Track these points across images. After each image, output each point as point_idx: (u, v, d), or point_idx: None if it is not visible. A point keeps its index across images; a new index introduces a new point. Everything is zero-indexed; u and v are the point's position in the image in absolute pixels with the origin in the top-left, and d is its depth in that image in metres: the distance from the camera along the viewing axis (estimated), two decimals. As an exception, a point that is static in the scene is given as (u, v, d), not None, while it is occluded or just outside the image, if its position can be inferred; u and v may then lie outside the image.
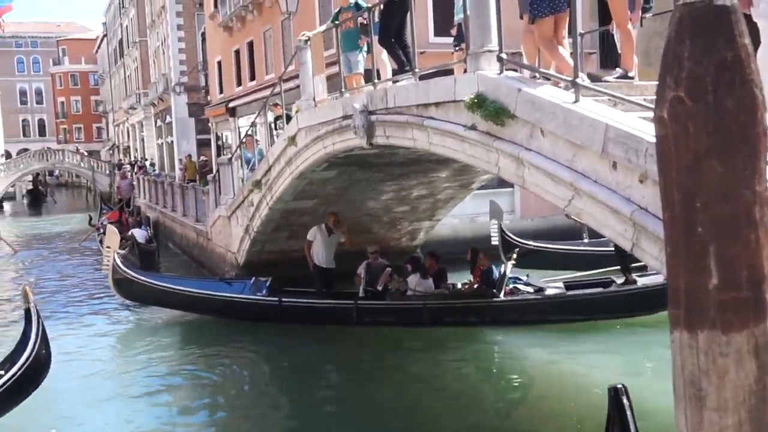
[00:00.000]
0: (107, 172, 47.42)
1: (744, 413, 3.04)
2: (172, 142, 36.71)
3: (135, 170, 32.87)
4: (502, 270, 10.81)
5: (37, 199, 51.74)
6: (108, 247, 12.21)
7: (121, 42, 53.05)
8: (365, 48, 9.34)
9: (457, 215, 15.38)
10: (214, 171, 16.70)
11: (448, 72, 8.00)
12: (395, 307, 11.11)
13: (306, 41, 10.55)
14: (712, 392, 3.07)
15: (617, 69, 6.33)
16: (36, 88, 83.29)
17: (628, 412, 4.25)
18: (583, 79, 5.41)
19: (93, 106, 77.73)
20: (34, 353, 7.15)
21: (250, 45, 25.46)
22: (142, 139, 46.23)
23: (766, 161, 3.11)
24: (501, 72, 6.19)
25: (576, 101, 5.28)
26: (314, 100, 10.64)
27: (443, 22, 15.82)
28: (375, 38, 8.77)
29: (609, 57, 14.93)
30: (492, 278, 10.75)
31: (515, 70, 6.57)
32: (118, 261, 12.01)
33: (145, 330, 12.05)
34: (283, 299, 11.29)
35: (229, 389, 9.14)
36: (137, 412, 8.30)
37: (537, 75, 6.28)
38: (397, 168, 11.13)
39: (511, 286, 10.67)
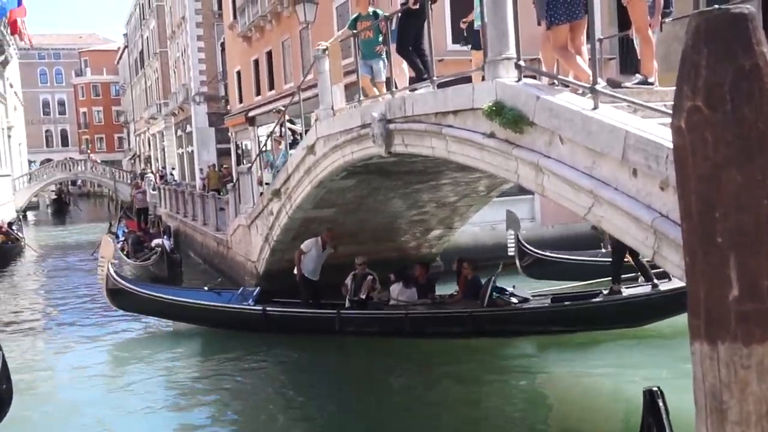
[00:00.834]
0: (128, 181, 47.89)
1: (767, 426, 2.99)
2: (192, 151, 37.02)
3: (157, 180, 33.18)
4: (492, 281, 10.65)
5: (61, 209, 52.72)
6: (102, 257, 12.29)
7: (141, 53, 53.69)
8: (383, 55, 9.38)
9: (477, 223, 15.34)
10: (234, 180, 16.82)
11: (466, 80, 8.00)
12: (377, 316, 11.02)
13: (324, 50, 10.60)
14: (734, 405, 3.02)
15: (637, 75, 6.30)
16: (59, 99, 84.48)
17: (664, 416, 4.13)
18: (602, 86, 5.39)
19: (114, 116, 78.67)
20: None
21: (269, 54, 25.65)
22: (163, 149, 46.69)
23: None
24: (519, 79, 6.18)
25: (595, 108, 5.26)
26: (333, 108, 10.69)
27: (460, 30, 15.85)
28: (393, 46, 8.79)
29: (629, 62, 14.84)
30: (476, 289, 10.63)
31: (534, 77, 6.56)
32: (111, 271, 12.11)
33: (146, 340, 12.18)
34: (268, 309, 11.33)
35: (226, 400, 9.15)
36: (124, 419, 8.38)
37: (556, 82, 6.26)
38: (416, 176, 11.12)
39: (494, 296, 10.47)
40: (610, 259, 12.66)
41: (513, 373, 9.46)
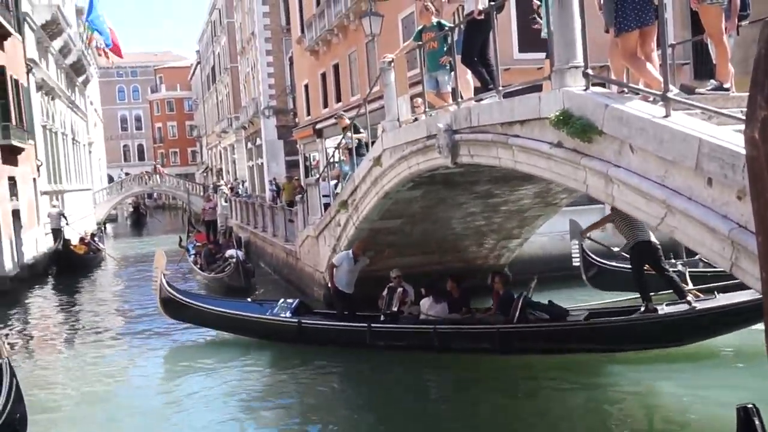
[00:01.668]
0: (201, 193, 49.25)
1: None
2: (262, 163, 37.78)
3: (228, 192, 33.97)
4: (524, 295, 10.28)
5: (138, 220, 55.12)
6: (156, 268, 12.76)
7: (213, 68, 55.24)
8: (448, 67, 9.37)
9: (546, 233, 15.10)
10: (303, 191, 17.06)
11: (534, 89, 7.91)
12: (406, 330, 10.89)
13: (390, 62, 10.67)
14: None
15: (711, 81, 6.10)
16: (135, 115, 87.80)
17: None
18: (674, 93, 5.24)
19: (188, 130, 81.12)
20: (4, 415, 6.45)
21: (336, 67, 25.98)
22: (234, 162, 47.81)
23: None
24: (587, 88, 6.07)
25: (667, 116, 5.11)
26: (398, 120, 10.74)
27: (527, 39, 15.71)
28: (458, 57, 8.77)
29: (704, 67, 14.39)
30: (508, 304, 10.25)
31: (602, 85, 6.43)
32: (164, 282, 12.54)
33: (200, 348, 12.42)
34: (302, 321, 11.47)
35: (260, 407, 9.26)
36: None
37: (625, 90, 6.12)
38: (482, 186, 11.05)
39: (528, 312, 10.09)
40: (679, 270, 12.17)
41: (576, 390, 9.13)
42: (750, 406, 3.96)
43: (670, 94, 5.15)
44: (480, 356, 10.13)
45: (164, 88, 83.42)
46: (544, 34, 7.87)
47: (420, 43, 9.57)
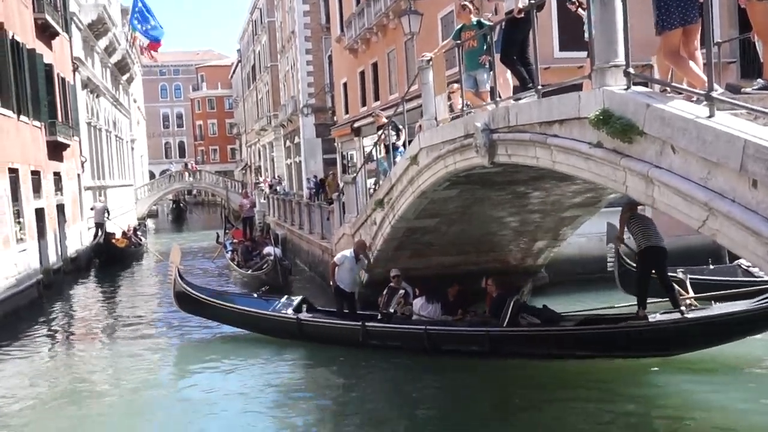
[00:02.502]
0: (240, 190, 49.79)
1: None
2: (300, 161, 38.03)
3: (268, 189, 34.26)
4: (515, 299, 10.21)
5: (179, 216, 56.18)
6: (171, 262, 13.10)
7: (253, 67, 55.77)
8: (487, 65, 9.30)
9: (584, 234, 14.89)
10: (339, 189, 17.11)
11: (573, 88, 7.80)
12: (398, 331, 10.94)
13: (428, 61, 10.64)
14: None
15: (759, 80, 5.94)
16: (177, 113, 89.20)
17: None
18: (718, 92, 5.12)
19: (227, 128, 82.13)
20: None
21: (375, 66, 26.01)
22: (272, 159, 48.19)
23: None
24: (628, 87, 5.96)
25: (710, 116, 5.00)
26: (436, 119, 10.70)
27: (568, 37, 15.52)
28: (497, 56, 8.70)
29: (751, 66, 14.05)
30: (500, 307, 10.18)
31: (644, 85, 6.32)
32: (178, 276, 12.86)
33: (217, 344, 12.58)
34: (301, 318, 11.65)
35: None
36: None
37: (668, 89, 6.00)
38: (519, 186, 10.95)
39: (520, 316, 10.05)
40: (715, 277, 11.86)
41: (571, 395, 8.95)
42: None
43: (714, 94, 5.04)
44: (474, 358, 10.11)
45: (205, 87, 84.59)
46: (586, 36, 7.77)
47: (459, 41, 9.52)
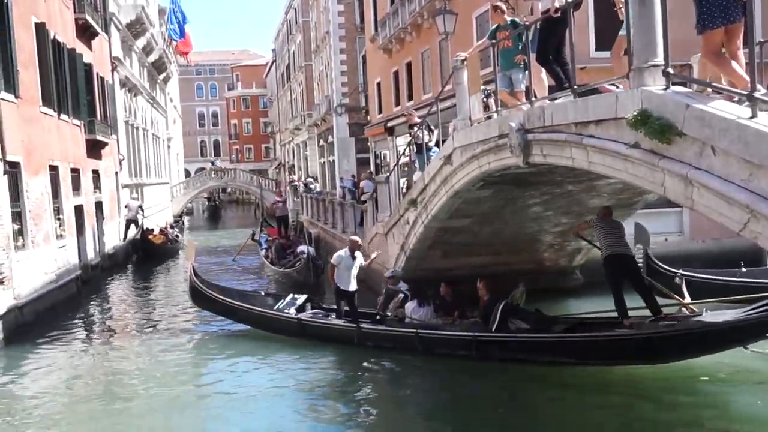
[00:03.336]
0: (274, 189, 50.17)
1: None
2: (333, 160, 38.17)
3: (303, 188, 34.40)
4: (504, 303, 10.07)
5: (215, 213, 57.08)
6: (188, 258, 13.33)
7: (288, 67, 56.13)
8: (522, 65, 9.24)
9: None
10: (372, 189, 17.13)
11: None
12: (391, 333, 11.01)
13: (462, 61, 10.60)
14: None
15: (802, 80, 5.81)
16: (212, 112, 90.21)
17: None
18: (761, 93, 5.01)
19: (262, 127, 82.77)
20: None
21: (409, 66, 25.99)
22: (306, 158, 48.43)
23: None
24: (667, 87, 5.88)
25: (753, 116, 4.91)
26: (470, 119, 10.66)
27: (605, 37, 15.30)
28: (533, 56, 8.64)
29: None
30: (488, 311, 10.10)
31: (683, 85, 6.22)
32: (193, 272, 13.40)
33: (228, 340, 12.76)
34: (302, 317, 11.93)
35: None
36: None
37: (709, 89, 5.89)
38: (554, 187, 10.86)
39: (510, 320, 9.96)
40: (746, 279, 11.56)
41: (560, 399, 8.87)
42: None
43: (757, 94, 4.94)
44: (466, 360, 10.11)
45: (240, 86, 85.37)
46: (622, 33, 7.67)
47: (494, 41, 9.47)
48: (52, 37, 17.72)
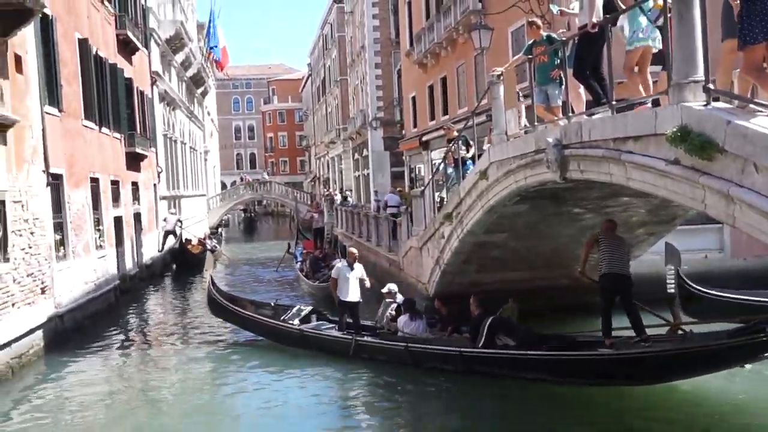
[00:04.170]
0: (309, 202, 50.53)
1: None
2: (368, 174, 38.32)
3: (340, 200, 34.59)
4: (490, 320, 10.11)
5: (251, 225, 57.91)
6: (206, 269, 13.74)
7: (323, 81, 56.65)
8: (558, 80, 9.20)
9: (658, 251, 14.42)
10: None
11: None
12: (384, 346, 11.23)
13: (498, 76, 10.60)
14: None
15: None
16: (248, 125, 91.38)
17: None
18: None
19: (297, 140, 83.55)
20: None
21: (444, 80, 26.04)
22: (341, 172, 48.74)
23: None
24: (708, 103, 5.80)
25: (796, 133, 4.82)
26: (506, 134, 10.64)
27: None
28: (570, 71, 8.60)
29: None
30: (476, 327, 10.15)
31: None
32: (211, 282, 14.01)
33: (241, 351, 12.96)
34: (303, 328, 12.25)
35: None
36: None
37: (753, 106, 5.80)
38: (591, 203, 10.76)
39: (498, 337, 9.99)
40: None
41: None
42: None
43: (800, 111, 4.85)
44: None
45: (276, 100, 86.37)
46: (654, 45, 7.59)
47: (530, 56, 9.46)
48: (94, 53, 18.16)
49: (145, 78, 25.72)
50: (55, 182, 14.62)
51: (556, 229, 12.11)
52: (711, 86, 5.79)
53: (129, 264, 20.69)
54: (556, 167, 8.42)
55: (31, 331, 12.36)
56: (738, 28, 5.51)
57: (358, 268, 12.13)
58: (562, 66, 8.86)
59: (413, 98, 30.80)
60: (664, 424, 8.32)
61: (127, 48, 22.34)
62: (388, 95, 36.16)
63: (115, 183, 19.86)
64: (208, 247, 28.50)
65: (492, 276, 13.19)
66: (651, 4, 7.43)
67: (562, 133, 8.35)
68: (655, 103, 7.38)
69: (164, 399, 10.37)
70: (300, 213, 46.70)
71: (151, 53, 26.95)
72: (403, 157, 33.47)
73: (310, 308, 13.26)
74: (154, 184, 26.35)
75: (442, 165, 15.12)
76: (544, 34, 9.57)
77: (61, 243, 14.85)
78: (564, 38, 8.98)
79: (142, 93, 24.36)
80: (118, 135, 20.46)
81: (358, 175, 42.47)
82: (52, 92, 14.69)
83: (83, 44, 17.29)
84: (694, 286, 11.88)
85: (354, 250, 12.76)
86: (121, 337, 15.02)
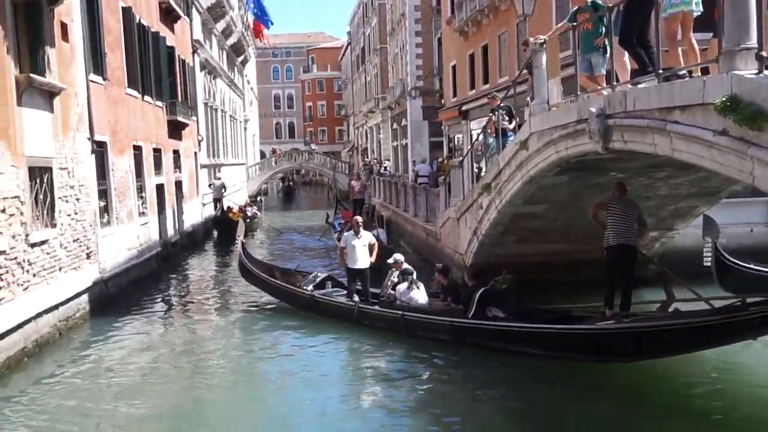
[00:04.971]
0: (347, 172, 50.68)
1: None
2: (406, 144, 38.18)
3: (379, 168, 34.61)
4: (480, 292, 10.17)
5: (288, 194, 58.41)
6: (238, 236, 14.88)
7: (363, 49, 56.31)
8: (603, 49, 8.98)
9: (702, 225, 14.19)
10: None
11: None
12: (383, 313, 11.49)
13: (541, 44, 10.39)
14: None
15: None
16: (288, 94, 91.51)
17: None
18: None
19: (336, 109, 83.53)
20: None
21: (485, 48, 25.67)
22: (379, 141, 48.65)
23: None
24: (760, 71, 5.62)
25: None
26: (548, 103, 10.46)
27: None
28: (615, 38, 8.39)
29: None
30: (469, 298, 10.27)
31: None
32: (241, 248, 14.63)
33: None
34: (315, 294, 12.70)
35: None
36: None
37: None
38: (633, 174, 10.56)
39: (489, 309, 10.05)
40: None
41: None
42: None
43: None
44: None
45: (316, 69, 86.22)
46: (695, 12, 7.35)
47: (574, 24, 9.24)
48: (137, 21, 18.31)
49: (187, 46, 25.88)
50: (100, 149, 14.88)
51: (597, 201, 11.92)
52: (765, 53, 5.60)
53: (170, 231, 21.04)
54: (598, 137, 8.27)
55: (78, 295, 12.72)
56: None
57: (366, 235, 12.48)
58: (607, 33, 8.65)
59: (453, 67, 30.45)
60: (655, 399, 8.21)
61: (169, 16, 22.47)
62: (428, 64, 35.80)
63: (157, 151, 20.12)
64: (249, 214, 28.87)
65: (530, 248, 13.10)
66: None
67: (605, 103, 8.18)
68: (704, 71, 7.19)
69: (202, 363, 10.57)
70: (338, 182, 46.88)
71: (192, 21, 27.07)
72: (442, 127, 33.23)
73: (325, 275, 13.75)
74: (195, 153, 26.66)
75: (482, 135, 14.95)
76: (589, 0, 9.33)
77: (106, 209, 15.16)
78: (610, 4, 8.76)
79: (183, 61, 24.53)
80: (160, 103, 20.69)
81: (396, 145, 42.33)
82: (96, 60, 14.89)
83: (127, 12, 17.43)
84: (731, 259, 11.66)
85: (358, 218, 13.29)
86: (162, 302, 15.36)
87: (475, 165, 15.32)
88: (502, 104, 13.27)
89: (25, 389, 9.30)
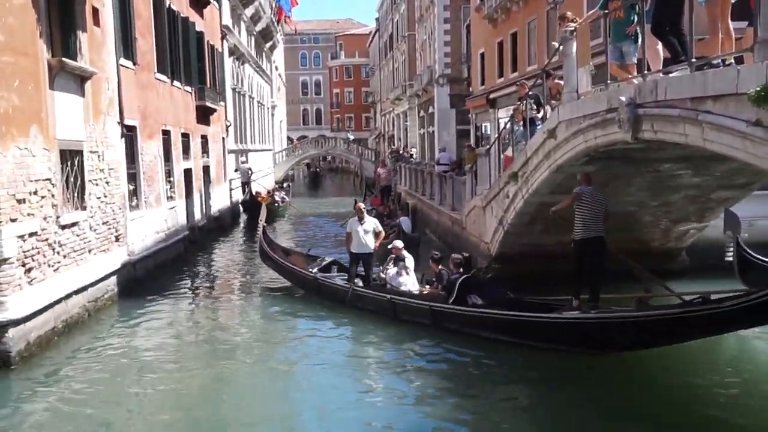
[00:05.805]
0: (373, 159, 50.68)
1: None
2: (432, 131, 38.04)
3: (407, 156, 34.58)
4: (462, 278, 10.57)
5: (316, 180, 59.02)
6: (260, 220, 15.68)
7: (391, 36, 56.08)
8: (634, 37, 8.84)
9: (723, 220, 13.96)
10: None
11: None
12: (374, 297, 11.80)
13: (572, 32, 10.27)
14: None
15: None
16: (315, 81, 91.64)
17: None
18: None
19: (363, 96, 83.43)
20: None
21: (514, 36, 25.43)
22: (406, 129, 48.51)
23: None
24: (796, 61, 5.50)
25: None
26: (577, 92, 10.35)
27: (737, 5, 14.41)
28: (647, 27, 8.25)
29: None
30: (452, 285, 10.56)
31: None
32: (262, 234, 15.05)
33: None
34: (318, 276, 13.19)
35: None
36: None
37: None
38: (664, 165, 10.43)
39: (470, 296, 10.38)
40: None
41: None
42: None
43: None
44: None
45: (343, 55, 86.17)
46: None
47: (606, 11, 9.11)
48: (167, 6, 18.42)
49: (216, 32, 25.99)
50: (129, 134, 15.04)
51: (625, 192, 11.81)
52: (800, 43, 5.49)
53: (198, 215, 21.24)
54: (628, 127, 8.17)
55: (106, 277, 12.92)
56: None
57: (369, 221, 12.72)
58: (639, 21, 8.51)
59: (482, 55, 30.22)
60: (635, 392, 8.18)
61: (198, 2, 22.58)
62: (456, 52, 35.55)
63: (185, 136, 20.28)
64: (277, 198, 29.07)
65: (557, 237, 12.98)
66: None
67: (635, 92, 8.07)
68: (738, 61, 7.05)
69: (223, 346, 10.70)
70: (364, 169, 46.90)
71: (221, 7, 27.17)
72: (469, 115, 33.04)
73: (332, 259, 14.34)
74: (223, 138, 26.83)
75: (509, 123, 14.84)
76: (621, -13, 9.18)
77: (134, 193, 15.35)
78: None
79: (212, 47, 24.65)
80: (189, 88, 20.83)
81: (423, 133, 42.19)
82: (126, 45, 15.02)
83: (156, -3, 17.56)
84: (753, 254, 11.45)
85: (361, 204, 13.58)
86: (189, 285, 15.54)
87: (502, 153, 15.23)
88: (530, 92, 13.15)
89: (54, 368, 9.49)
